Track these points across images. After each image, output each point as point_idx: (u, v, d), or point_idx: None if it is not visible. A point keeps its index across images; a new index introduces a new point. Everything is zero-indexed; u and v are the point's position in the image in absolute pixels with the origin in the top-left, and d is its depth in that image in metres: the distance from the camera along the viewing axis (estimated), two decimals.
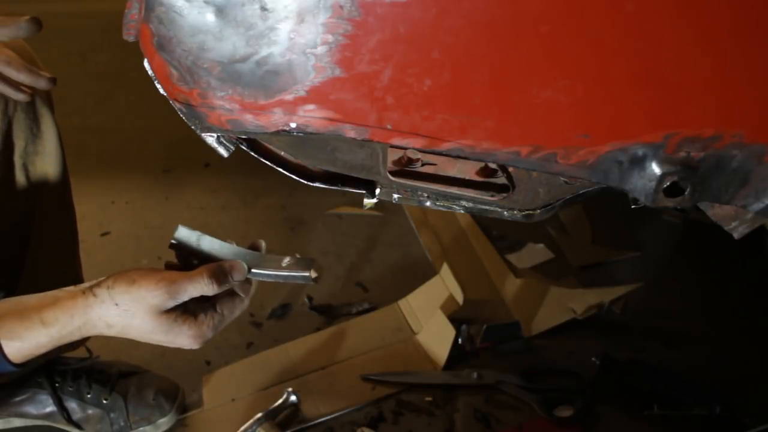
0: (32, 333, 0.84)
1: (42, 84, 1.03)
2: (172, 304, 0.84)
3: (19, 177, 1.13)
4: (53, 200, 1.20)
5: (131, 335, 0.86)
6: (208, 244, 0.92)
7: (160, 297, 0.83)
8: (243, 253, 0.91)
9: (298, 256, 0.92)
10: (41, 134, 1.13)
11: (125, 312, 0.83)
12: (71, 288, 0.87)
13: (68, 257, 1.29)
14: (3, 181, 1.11)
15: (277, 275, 0.90)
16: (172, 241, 0.92)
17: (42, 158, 1.15)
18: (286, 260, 0.91)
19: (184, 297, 0.85)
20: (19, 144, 1.11)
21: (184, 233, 0.92)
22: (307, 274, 0.90)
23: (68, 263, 1.30)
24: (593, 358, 1.44)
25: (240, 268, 0.88)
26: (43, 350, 0.86)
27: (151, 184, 2.05)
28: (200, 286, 0.85)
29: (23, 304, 0.86)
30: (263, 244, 0.93)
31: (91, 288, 0.85)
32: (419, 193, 0.77)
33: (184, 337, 0.86)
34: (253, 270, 0.89)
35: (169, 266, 0.91)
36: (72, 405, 1.30)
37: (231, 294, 0.90)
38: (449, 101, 0.63)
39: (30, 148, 1.13)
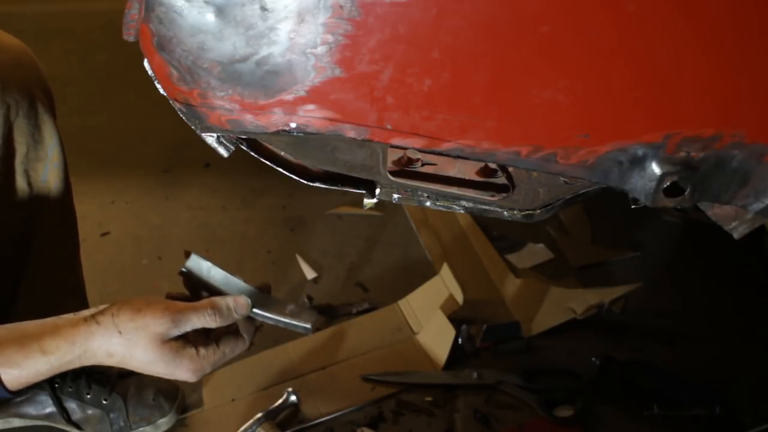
0: (31, 361, 0.83)
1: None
2: (175, 333, 0.85)
3: (20, 183, 1.13)
4: (55, 206, 1.20)
5: (131, 365, 0.86)
6: (218, 276, 0.94)
7: (164, 325, 0.84)
8: (250, 291, 0.93)
9: (307, 304, 0.95)
10: (43, 140, 1.13)
11: (128, 341, 0.83)
12: (71, 316, 0.87)
13: (69, 262, 1.29)
14: (4, 187, 1.11)
15: (278, 320, 0.92)
16: (183, 269, 0.93)
17: (43, 164, 1.15)
18: (290, 307, 0.94)
19: (188, 327, 0.86)
20: (20, 150, 1.11)
21: (196, 262, 0.94)
22: (308, 326, 0.92)
23: (69, 268, 1.29)
24: (593, 358, 1.44)
25: (244, 304, 0.89)
26: (41, 378, 0.86)
27: (151, 184, 2.05)
28: (204, 318, 0.86)
29: (22, 330, 0.86)
30: (270, 286, 0.96)
31: (93, 316, 0.85)
32: (419, 193, 0.77)
33: (183, 370, 0.87)
34: (255, 310, 0.91)
35: (171, 297, 0.92)
36: (72, 405, 1.29)
37: (234, 333, 0.91)
38: (449, 101, 0.63)
39: (31, 154, 1.13)
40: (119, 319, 0.84)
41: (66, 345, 0.84)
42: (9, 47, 1.09)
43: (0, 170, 1.09)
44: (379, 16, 0.59)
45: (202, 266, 0.94)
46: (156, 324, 0.84)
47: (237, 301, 0.89)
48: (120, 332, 0.83)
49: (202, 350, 0.88)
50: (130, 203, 1.97)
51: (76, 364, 0.86)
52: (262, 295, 0.94)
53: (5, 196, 1.11)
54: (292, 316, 0.92)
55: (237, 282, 0.94)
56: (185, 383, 1.38)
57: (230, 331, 0.91)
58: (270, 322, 0.92)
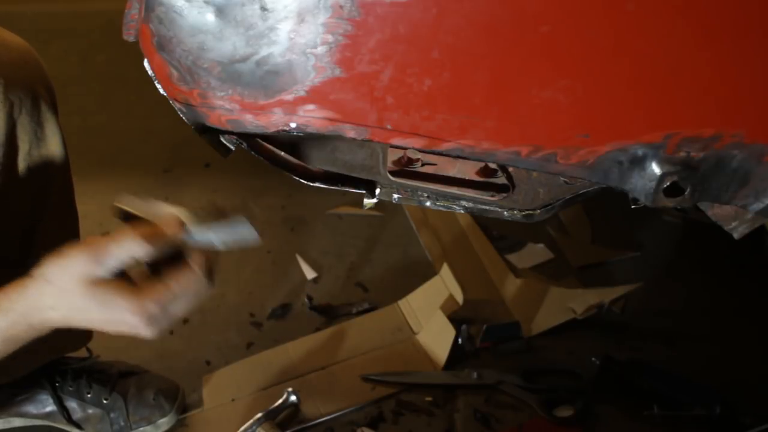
0: None
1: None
2: (100, 270, 0.76)
3: (23, 180, 1.13)
4: (57, 204, 1.20)
5: (75, 319, 0.78)
6: (155, 209, 0.82)
7: (85, 264, 0.76)
8: (188, 215, 0.81)
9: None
10: (45, 138, 1.13)
11: (58, 289, 0.77)
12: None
13: None
14: (6, 185, 1.11)
15: (218, 234, 0.79)
16: (116, 206, 0.82)
17: (46, 162, 1.15)
18: (236, 217, 0.80)
19: (113, 261, 0.76)
20: (23, 147, 1.11)
21: (130, 200, 0.82)
22: (248, 227, 0.79)
23: None
24: (593, 358, 1.44)
25: (173, 222, 0.77)
26: None
27: (151, 184, 2.05)
28: (127, 247, 0.76)
29: None
30: (221, 204, 0.83)
31: (29, 271, 0.80)
32: (419, 193, 0.77)
33: (122, 312, 0.76)
34: (193, 230, 0.79)
35: None
36: (72, 405, 1.30)
37: (183, 266, 0.80)
38: (449, 101, 0.64)
39: (34, 152, 1.12)
40: (46, 268, 0.77)
41: (5, 302, 0.79)
42: (13, 46, 1.10)
43: (2, 168, 1.09)
44: (379, 16, 0.59)
45: (137, 204, 0.82)
46: (77, 264, 0.75)
47: (165, 221, 0.77)
48: (48, 281, 0.77)
49: (143, 286, 0.77)
50: None
51: (23, 325, 0.80)
52: (205, 215, 0.81)
53: (7, 194, 1.11)
54: (232, 224, 0.79)
55: (179, 210, 0.81)
56: (185, 383, 1.40)
57: (178, 265, 0.80)
58: (215, 241, 0.79)
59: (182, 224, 0.78)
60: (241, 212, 0.80)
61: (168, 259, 0.80)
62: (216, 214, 0.80)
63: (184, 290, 0.79)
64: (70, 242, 0.78)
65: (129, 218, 0.82)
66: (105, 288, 0.76)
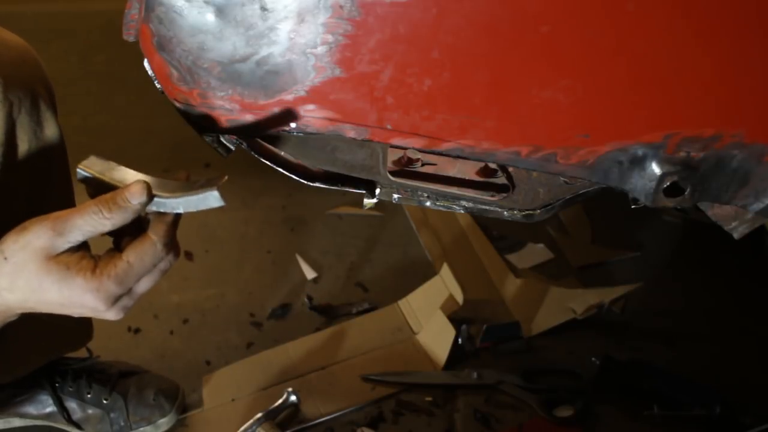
0: None
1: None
2: (61, 244, 0.71)
3: (22, 180, 1.13)
4: (56, 205, 1.19)
5: (32, 300, 0.73)
6: (120, 175, 0.77)
7: (45, 236, 0.71)
8: (154, 181, 0.76)
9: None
10: (45, 137, 1.13)
11: (15, 266, 0.71)
12: None
13: None
14: (6, 184, 1.11)
15: (183, 200, 0.73)
16: (80, 170, 0.77)
17: (45, 162, 1.15)
18: (199, 182, 0.75)
19: (76, 234, 0.72)
20: (22, 147, 1.11)
21: (93, 163, 0.78)
22: (214, 192, 0.71)
23: None
24: (593, 358, 1.44)
25: (137, 190, 0.71)
26: None
27: None
28: (91, 217, 0.71)
29: None
30: (184, 174, 0.77)
31: None
32: (419, 193, 0.77)
33: (81, 291, 0.71)
34: (156, 199, 0.73)
35: None
36: (72, 405, 1.30)
37: (143, 239, 0.74)
38: (449, 101, 0.64)
39: (33, 151, 1.12)
40: (5, 245, 0.71)
41: None
42: (12, 45, 1.10)
43: (2, 167, 1.09)
44: (379, 16, 0.59)
45: (101, 167, 0.77)
46: (37, 238, 0.70)
47: (129, 189, 0.71)
48: (6, 258, 0.71)
49: (101, 263, 0.72)
50: None
51: None
52: (168, 182, 0.76)
53: (6, 193, 1.11)
54: (196, 189, 0.72)
55: (142, 176, 0.77)
56: (185, 383, 1.40)
57: (136, 237, 0.74)
58: (177, 209, 0.74)
59: (149, 192, 0.72)
60: (214, 181, 0.72)
61: (128, 228, 0.74)
62: (186, 185, 0.75)
63: (144, 266, 0.73)
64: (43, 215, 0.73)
65: (92, 182, 0.77)
66: (63, 264, 0.71)
